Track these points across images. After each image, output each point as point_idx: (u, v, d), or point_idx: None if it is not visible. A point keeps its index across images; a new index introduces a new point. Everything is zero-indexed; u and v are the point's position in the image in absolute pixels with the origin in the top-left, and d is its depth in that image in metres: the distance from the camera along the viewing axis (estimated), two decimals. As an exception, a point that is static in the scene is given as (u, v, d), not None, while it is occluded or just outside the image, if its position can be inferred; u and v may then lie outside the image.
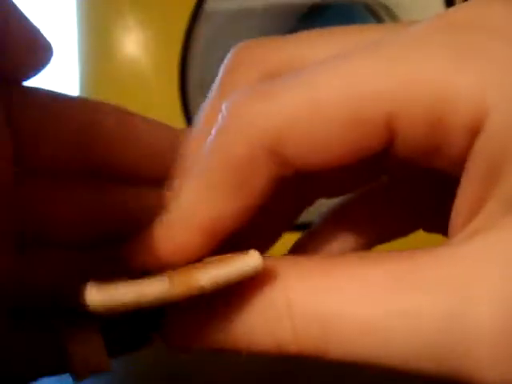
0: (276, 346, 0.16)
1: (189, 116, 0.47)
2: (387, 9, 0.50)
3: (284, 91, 0.16)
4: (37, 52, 0.18)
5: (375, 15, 0.51)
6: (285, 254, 0.20)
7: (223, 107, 0.17)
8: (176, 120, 0.47)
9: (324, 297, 0.15)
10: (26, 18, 0.17)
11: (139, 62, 0.50)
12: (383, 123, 0.15)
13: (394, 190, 0.21)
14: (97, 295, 0.14)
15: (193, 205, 0.17)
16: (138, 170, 0.21)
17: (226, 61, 0.20)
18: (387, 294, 0.14)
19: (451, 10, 0.15)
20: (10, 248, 0.18)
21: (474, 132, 0.15)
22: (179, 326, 0.17)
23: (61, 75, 0.48)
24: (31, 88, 0.20)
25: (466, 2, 0.16)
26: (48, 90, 0.20)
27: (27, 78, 0.18)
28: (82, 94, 0.48)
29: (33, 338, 0.19)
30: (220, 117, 0.17)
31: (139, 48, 0.50)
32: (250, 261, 0.15)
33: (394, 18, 0.50)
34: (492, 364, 0.13)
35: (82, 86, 0.48)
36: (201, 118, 0.20)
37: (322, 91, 0.15)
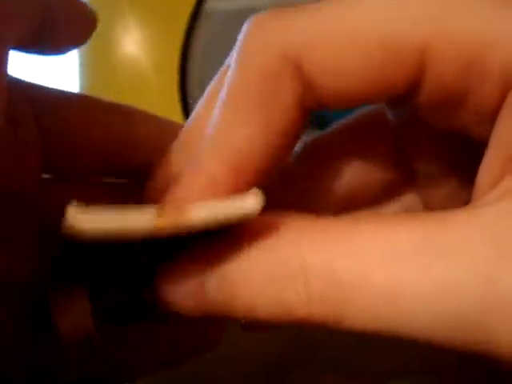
0: (283, 311, 0.14)
1: (188, 116, 0.47)
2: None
3: (313, 10, 0.15)
4: (77, 24, 0.18)
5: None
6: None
7: (241, 32, 0.15)
8: (176, 120, 0.47)
9: (346, 259, 0.14)
10: None
11: (139, 61, 0.50)
12: (414, 54, 0.14)
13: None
14: (78, 219, 0.12)
15: (220, 135, 0.15)
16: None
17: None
18: (417, 259, 0.13)
19: None
20: (35, 250, 0.18)
21: (510, 84, 0.14)
22: (170, 282, 0.15)
23: (60, 75, 0.48)
24: (61, 91, 0.19)
25: None
26: (80, 95, 0.20)
27: (68, 50, 0.18)
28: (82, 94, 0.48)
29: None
30: (238, 40, 0.15)
31: (139, 48, 0.50)
32: (249, 200, 0.13)
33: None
34: None
35: (82, 86, 0.48)
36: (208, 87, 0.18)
37: (356, 14, 0.14)
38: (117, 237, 0.12)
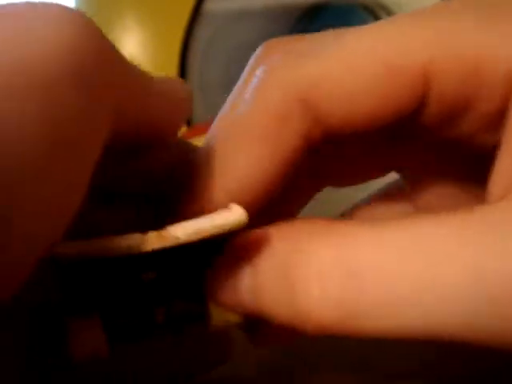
0: (295, 314, 0.14)
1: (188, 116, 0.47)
2: (386, 9, 0.50)
3: (318, 49, 0.16)
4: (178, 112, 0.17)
5: (374, 15, 0.51)
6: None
7: (258, 70, 0.16)
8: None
9: (365, 255, 0.13)
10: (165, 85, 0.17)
11: (138, 62, 0.50)
12: (419, 73, 0.15)
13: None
14: (63, 246, 0.13)
15: (223, 162, 0.16)
16: (157, 127, 0.20)
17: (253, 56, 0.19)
18: (452, 251, 0.13)
19: None
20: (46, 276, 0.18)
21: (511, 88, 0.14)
22: (212, 281, 0.16)
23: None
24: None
25: None
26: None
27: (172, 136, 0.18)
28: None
29: None
30: (255, 76, 0.17)
31: (138, 48, 0.50)
32: (231, 214, 0.14)
33: (392, 18, 0.50)
34: None
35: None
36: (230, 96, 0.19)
37: (356, 45, 0.15)
38: (100, 254, 0.14)
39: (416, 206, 0.20)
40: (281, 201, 0.19)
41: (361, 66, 0.15)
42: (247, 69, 0.18)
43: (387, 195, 0.21)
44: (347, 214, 0.21)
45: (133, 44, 0.50)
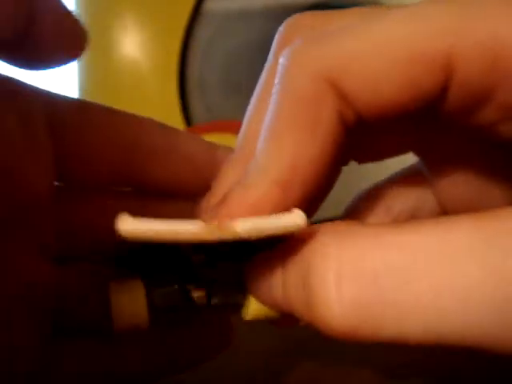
0: (311, 316, 0.14)
1: (188, 116, 0.47)
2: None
3: (343, 33, 0.16)
4: (67, 39, 0.17)
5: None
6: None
7: (282, 57, 0.16)
8: (175, 120, 0.47)
9: (387, 257, 0.13)
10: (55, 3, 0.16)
11: (138, 62, 0.50)
12: (442, 59, 0.15)
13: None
14: (130, 223, 0.14)
15: (267, 155, 0.16)
16: (178, 185, 0.21)
17: (278, 33, 0.19)
18: (479, 255, 0.12)
19: None
20: (50, 261, 0.18)
21: None
22: (250, 275, 0.17)
23: (59, 75, 0.48)
24: (75, 100, 0.19)
25: None
26: (93, 104, 0.20)
27: (57, 66, 0.17)
28: (81, 95, 0.48)
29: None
30: (280, 65, 0.16)
31: (138, 48, 0.50)
32: (291, 217, 0.15)
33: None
34: None
35: (81, 87, 0.48)
36: (260, 83, 0.19)
37: (382, 30, 0.15)
38: (165, 239, 0.14)
39: (435, 192, 0.20)
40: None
41: (385, 51, 0.15)
42: (270, 56, 0.18)
43: (405, 178, 0.21)
44: (365, 197, 0.21)
45: (133, 44, 0.50)
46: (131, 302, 0.17)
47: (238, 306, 0.18)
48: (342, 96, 0.16)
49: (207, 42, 0.49)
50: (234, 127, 0.43)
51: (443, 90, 0.15)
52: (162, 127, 0.20)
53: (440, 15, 0.15)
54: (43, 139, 0.18)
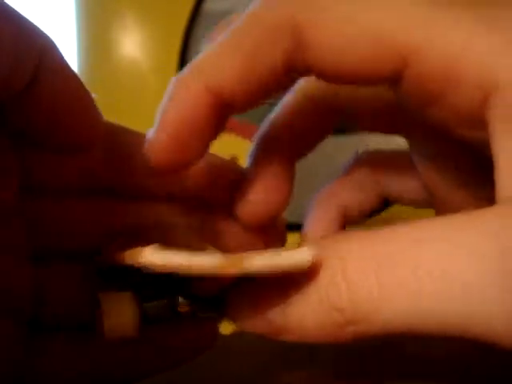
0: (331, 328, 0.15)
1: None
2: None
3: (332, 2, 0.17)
4: (27, 59, 0.15)
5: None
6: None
7: None
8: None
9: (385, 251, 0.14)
10: (14, 17, 0.15)
11: (138, 62, 0.50)
12: (399, 52, 0.16)
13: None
14: (155, 257, 0.15)
15: (208, 60, 0.17)
16: (151, 186, 0.21)
17: None
18: (483, 253, 0.13)
19: None
20: (25, 263, 0.18)
21: (486, 91, 0.15)
22: (238, 306, 0.17)
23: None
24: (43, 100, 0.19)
25: None
26: None
27: (20, 91, 0.16)
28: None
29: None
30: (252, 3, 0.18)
31: (138, 48, 0.50)
32: (299, 256, 0.15)
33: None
34: None
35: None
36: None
37: (355, 8, 0.17)
38: (182, 272, 0.15)
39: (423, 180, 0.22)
40: (305, 133, 0.21)
41: (354, 33, 0.16)
42: None
43: (352, 172, 0.23)
44: (319, 196, 0.23)
45: (133, 44, 0.50)
46: (122, 315, 0.18)
47: (215, 320, 0.19)
48: (299, 43, 0.17)
49: (207, 42, 0.49)
50: (233, 127, 0.43)
51: (396, 77, 0.17)
52: (139, 134, 0.20)
53: (409, 10, 0.16)
54: (3, 143, 0.17)
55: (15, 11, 0.15)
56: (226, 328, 0.18)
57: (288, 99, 0.21)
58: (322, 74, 0.18)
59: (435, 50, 0.16)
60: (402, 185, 0.23)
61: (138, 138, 0.20)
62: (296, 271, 0.15)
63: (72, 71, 0.17)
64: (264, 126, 0.22)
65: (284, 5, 0.17)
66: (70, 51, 0.51)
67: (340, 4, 0.17)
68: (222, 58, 0.17)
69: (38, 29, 0.16)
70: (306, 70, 0.18)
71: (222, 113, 0.18)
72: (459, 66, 0.15)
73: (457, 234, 0.14)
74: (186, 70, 0.18)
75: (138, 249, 0.15)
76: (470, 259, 0.13)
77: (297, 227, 0.23)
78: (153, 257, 0.15)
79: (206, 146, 0.18)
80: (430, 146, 0.21)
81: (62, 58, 0.16)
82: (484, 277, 0.13)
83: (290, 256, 0.15)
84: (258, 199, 0.21)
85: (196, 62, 0.18)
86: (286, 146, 0.21)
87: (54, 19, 0.53)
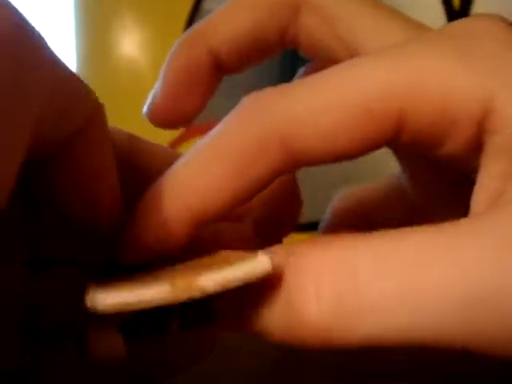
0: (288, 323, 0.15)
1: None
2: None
3: (301, 89, 0.16)
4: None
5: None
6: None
7: (243, 99, 0.17)
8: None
9: (366, 259, 0.14)
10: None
11: (137, 61, 0.50)
12: (394, 113, 0.16)
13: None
14: (101, 299, 0.14)
15: (192, 172, 0.16)
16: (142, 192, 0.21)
17: None
18: (440, 258, 0.13)
19: (446, 25, 0.17)
20: (21, 269, 0.18)
21: (481, 123, 0.15)
22: (225, 313, 0.17)
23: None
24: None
25: (459, 20, 0.17)
26: None
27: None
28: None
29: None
30: (238, 106, 0.17)
31: (137, 48, 0.50)
32: (256, 265, 0.14)
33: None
34: None
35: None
36: None
37: (337, 90, 0.16)
38: (134, 307, 0.14)
39: (414, 203, 0.22)
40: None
41: (342, 109, 0.16)
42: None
43: (387, 186, 0.22)
44: (345, 198, 0.23)
45: (132, 44, 0.50)
46: (109, 341, 0.18)
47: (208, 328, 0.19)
48: (289, 151, 0.16)
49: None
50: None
51: (394, 138, 0.16)
52: (130, 137, 0.20)
53: (396, 70, 0.16)
54: None
55: (72, 73, 0.15)
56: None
57: None
58: (316, 161, 0.17)
59: (427, 99, 0.15)
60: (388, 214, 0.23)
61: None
62: (252, 282, 0.14)
63: (110, 148, 0.17)
64: None
65: (264, 114, 0.16)
66: (69, 51, 0.51)
67: (313, 85, 0.16)
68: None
69: (91, 92, 0.16)
70: (297, 167, 0.17)
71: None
72: (453, 108, 0.15)
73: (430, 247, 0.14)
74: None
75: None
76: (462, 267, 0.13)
77: (306, 227, 0.23)
78: (97, 300, 0.14)
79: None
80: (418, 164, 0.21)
81: (106, 130, 0.16)
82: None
83: (238, 268, 0.14)
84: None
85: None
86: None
87: (53, 19, 0.53)
